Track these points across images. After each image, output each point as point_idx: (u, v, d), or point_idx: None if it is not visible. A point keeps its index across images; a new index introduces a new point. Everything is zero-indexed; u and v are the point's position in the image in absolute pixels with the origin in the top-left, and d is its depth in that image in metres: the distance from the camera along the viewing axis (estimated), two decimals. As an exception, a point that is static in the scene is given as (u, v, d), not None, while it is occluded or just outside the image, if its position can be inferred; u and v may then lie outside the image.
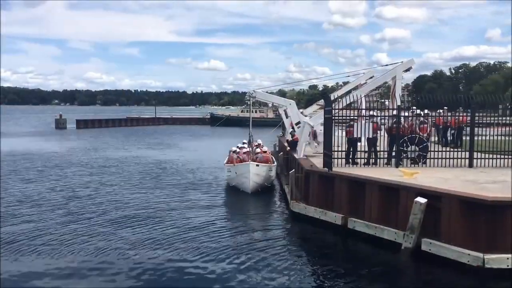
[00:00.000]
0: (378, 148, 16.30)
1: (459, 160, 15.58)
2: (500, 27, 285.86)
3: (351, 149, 16.05)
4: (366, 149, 16.27)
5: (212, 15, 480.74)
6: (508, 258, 9.94)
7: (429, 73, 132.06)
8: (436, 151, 16.02)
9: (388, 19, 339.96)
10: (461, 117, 18.08)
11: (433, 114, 19.30)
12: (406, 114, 16.68)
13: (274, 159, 21.85)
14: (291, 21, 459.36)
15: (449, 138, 20.31)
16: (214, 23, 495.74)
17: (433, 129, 19.58)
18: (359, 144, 16.44)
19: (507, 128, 17.92)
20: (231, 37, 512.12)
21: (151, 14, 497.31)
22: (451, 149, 16.45)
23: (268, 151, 22.07)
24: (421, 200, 11.16)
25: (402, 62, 21.72)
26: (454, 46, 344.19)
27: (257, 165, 19.17)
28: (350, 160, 15.87)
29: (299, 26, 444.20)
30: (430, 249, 10.92)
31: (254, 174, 18.85)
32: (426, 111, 17.64)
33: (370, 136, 15.89)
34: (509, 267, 9.91)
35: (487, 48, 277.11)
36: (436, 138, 19.84)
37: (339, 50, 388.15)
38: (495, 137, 16.12)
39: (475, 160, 15.56)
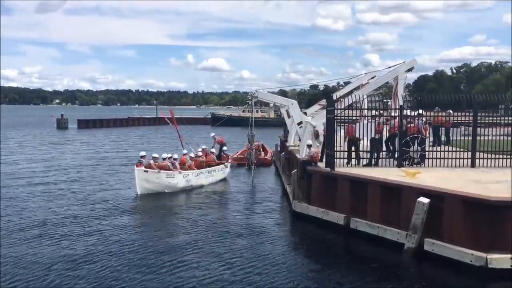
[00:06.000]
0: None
1: (461, 160, 15.58)
2: (480, 30, 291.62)
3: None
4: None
5: (202, 20, 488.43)
6: (510, 258, 9.95)
7: (428, 73, 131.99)
8: (438, 151, 16.03)
9: (369, 23, 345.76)
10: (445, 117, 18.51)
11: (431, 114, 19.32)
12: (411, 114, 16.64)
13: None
14: (280, 25, 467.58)
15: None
16: (205, 27, 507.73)
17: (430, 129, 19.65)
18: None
19: (509, 128, 17.92)
20: (223, 40, 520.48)
21: (144, 19, 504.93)
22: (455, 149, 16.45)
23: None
24: (424, 200, 11.17)
25: (404, 62, 21.70)
26: (437, 49, 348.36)
27: (146, 171, 18.87)
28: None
29: (286, 30, 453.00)
30: (432, 249, 10.94)
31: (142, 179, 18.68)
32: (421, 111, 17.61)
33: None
34: (512, 267, 9.93)
35: (472, 50, 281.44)
36: (432, 138, 19.86)
37: (328, 52, 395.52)
38: (497, 137, 16.12)
39: (477, 160, 15.57)
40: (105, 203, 17.42)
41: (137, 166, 18.95)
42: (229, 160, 24.71)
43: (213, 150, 24.28)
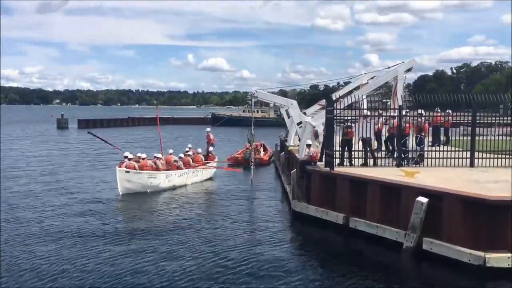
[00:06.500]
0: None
1: (460, 159, 15.63)
2: (479, 31, 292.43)
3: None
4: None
5: (202, 20, 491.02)
6: (509, 257, 10.01)
7: (428, 73, 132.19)
8: (438, 151, 16.09)
9: (368, 23, 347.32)
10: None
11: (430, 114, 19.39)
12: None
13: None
14: (279, 26, 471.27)
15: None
16: (204, 27, 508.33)
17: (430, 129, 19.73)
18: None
19: (508, 128, 17.97)
20: (222, 40, 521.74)
21: (143, 19, 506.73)
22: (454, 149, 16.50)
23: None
24: (423, 199, 11.22)
25: (403, 62, 21.76)
26: (436, 50, 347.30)
27: (127, 171, 18.85)
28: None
29: (286, 30, 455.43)
30: (431, 248, 10.99)
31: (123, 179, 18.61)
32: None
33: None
34: (510, 266, 9.98)
35: (471, 50, 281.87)
36: (431, 138, 19.94)
37: (328, 51, 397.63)
38: (496, 137, 16.17)
39: (476, 160, 15.61)
40: (84, 202, 17.50)
41: (119, 166, 18.97)
42: (215, 160, 24.58)
43: (199, 150, 24.11)
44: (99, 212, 15.95)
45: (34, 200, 17.67)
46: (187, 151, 22.89)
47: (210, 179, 23.31)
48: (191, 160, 22.07)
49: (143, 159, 19.96)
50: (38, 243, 12.41)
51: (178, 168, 20.90)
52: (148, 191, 19.14)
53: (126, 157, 19.63)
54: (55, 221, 14.67)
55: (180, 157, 21.69)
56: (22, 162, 29.07)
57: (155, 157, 20.64)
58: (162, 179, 19.88)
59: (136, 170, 19.04)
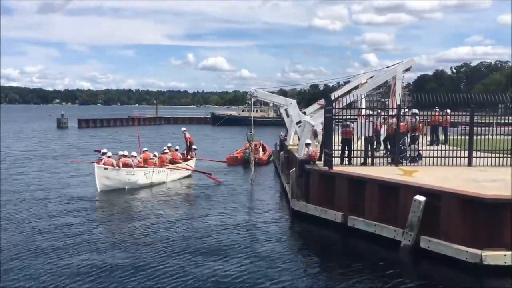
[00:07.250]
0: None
1: (458, 159, 15.70)
2: (477, 31, 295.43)
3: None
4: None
5: (200, 20, 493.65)
6: (505, 255, 10.08)
7: (428, 73, 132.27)
8: (436, 150, 16.16)
9: (365, 23, 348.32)
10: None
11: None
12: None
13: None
14: (278, 26, 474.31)
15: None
16: (203, 27, 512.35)
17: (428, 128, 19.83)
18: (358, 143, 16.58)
19: (508, 128, 18.03)
20: (221, 40, 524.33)
21: (143, 19, 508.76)
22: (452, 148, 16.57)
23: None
24: (420, 198, 11.29)
25: (402, 61, 21.80)
26: (434, 50, 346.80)
27: (105, 168, 19.05)
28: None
29: (285, 30, 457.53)
30: (429, 247, 11.06)
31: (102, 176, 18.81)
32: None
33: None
34: (507, 264, 10.05)
35: (469, 50, 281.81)
36: (429, 137, 20.00)
37: (326, 51, 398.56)
38: (494, 136, 16.25)
39: (474, 159, 15.69)
40: (62, 198, 17.65)
41: (98, 163, 19.08)
42: (194, 158, 24.91)
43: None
44: (75, 209, 16.05)
45: (12, 196, 17.96)
46: (165, 150, 23.12)
47: (189, 176, 23.40)
48: (167, 159, 22.23)
49: (125, 156, 20.11)
50: (11, 241, 12.34)
51: (154, 165, 21.02)
52: (126, 187, 19.33)
53: (104, 153, 19.78)
54: (31, 217, 14.81)
55: (154, 155, 21.76)
56: (15, 159, 29.49)
57: (132, 156, 20.56)
58: (140, 176, 20.06)
59: (114, 167, 19.21)
